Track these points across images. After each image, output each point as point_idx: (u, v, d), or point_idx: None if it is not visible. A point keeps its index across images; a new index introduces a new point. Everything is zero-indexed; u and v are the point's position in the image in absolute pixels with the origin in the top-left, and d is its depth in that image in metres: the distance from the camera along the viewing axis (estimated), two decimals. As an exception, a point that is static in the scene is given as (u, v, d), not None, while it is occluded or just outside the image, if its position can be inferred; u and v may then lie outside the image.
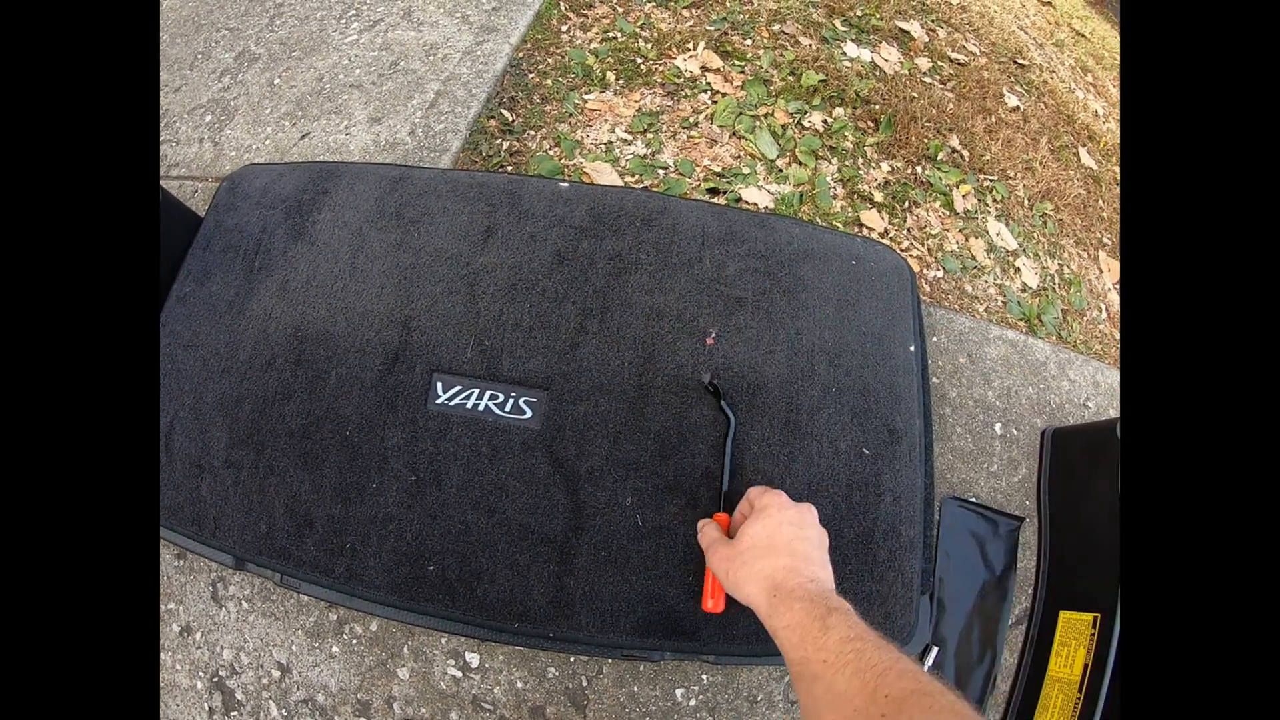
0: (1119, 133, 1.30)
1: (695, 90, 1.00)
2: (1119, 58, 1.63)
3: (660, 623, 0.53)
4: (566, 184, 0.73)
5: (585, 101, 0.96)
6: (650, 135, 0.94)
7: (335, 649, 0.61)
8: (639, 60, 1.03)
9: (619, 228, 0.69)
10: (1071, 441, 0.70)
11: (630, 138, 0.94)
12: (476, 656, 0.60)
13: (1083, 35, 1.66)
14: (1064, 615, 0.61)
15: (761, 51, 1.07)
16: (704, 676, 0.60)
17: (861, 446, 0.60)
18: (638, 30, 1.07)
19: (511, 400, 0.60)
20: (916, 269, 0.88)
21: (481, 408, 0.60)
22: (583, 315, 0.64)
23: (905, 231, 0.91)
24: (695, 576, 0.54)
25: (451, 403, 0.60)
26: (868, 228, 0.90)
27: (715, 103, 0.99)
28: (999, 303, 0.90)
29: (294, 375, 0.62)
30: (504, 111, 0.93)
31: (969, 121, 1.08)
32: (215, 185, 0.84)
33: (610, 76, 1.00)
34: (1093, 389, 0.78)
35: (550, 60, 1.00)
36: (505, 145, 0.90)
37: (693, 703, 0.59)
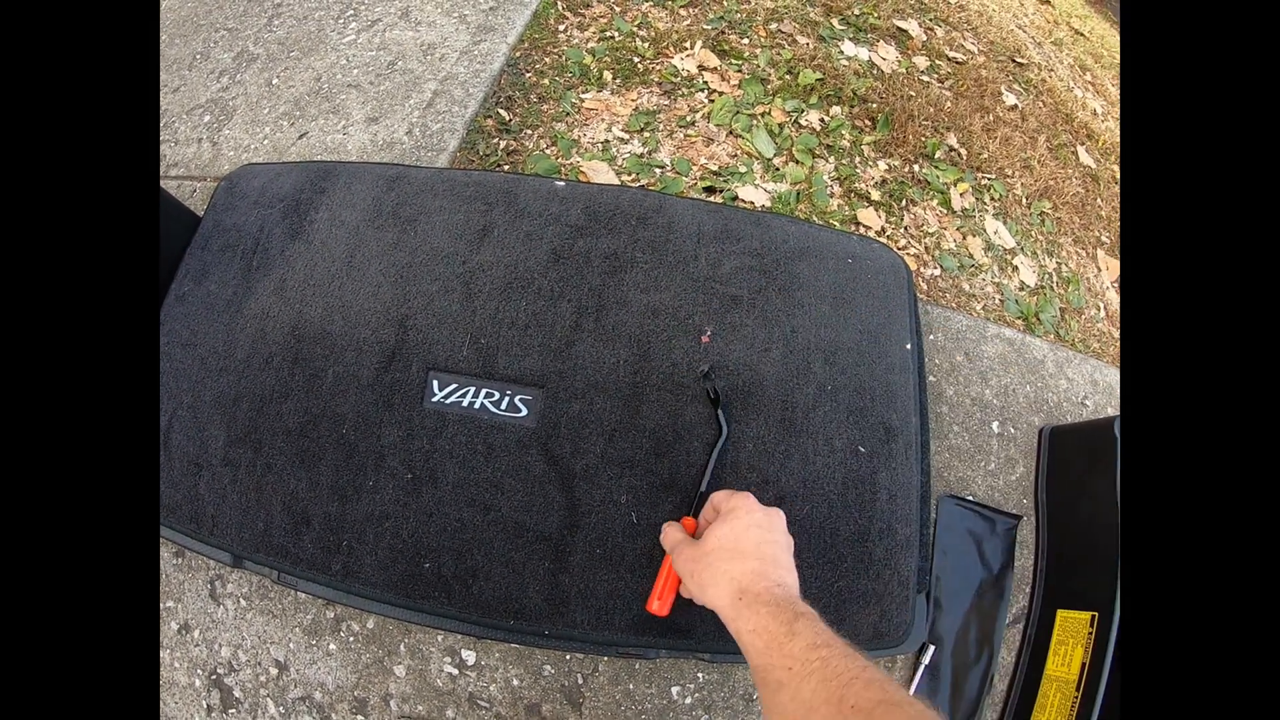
0: (1117, 131, 1.30)
1: (692, 89, 1.00)
2: (1118, 56, 1.63)
3: (656, 620, 0.53)
4: (562, 183, 0.73)
5: (582, 100, 0.96)
6: (647, 134, 0.94)
7: (332, 646, 0.61)
8: (636, 59, 1.03)
9: (615, 226, 0.69)
10: (1069, 440, 0.70)
11: (627, 136, 0.94)
12: (473, 654, 0.60)
13: (1081, 34, 1.66)
14: (1061, 614, 0.61)
15: (759, 50, 1.07)
16: (699, 674, 0.60)
17: (857, 444, 0.60)
18: (635, 29, 1.07)
19: (507, 398, 0.60)
20: (914, 267, 0.88)
21: (477, 406, 0.60)
22: (578, 313, 0.64)
23: (902, 230, 0.91)
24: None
25: (447, 401, 0.60)
26: (865, 226, 0.89)
27: (712, 101, 0.99)
28: (996, 301, 0.89)
29: (291, 374, 0.62)
30: (501, 111, 0.94)
31: (967, 120, 1.07)
32: (214, 185, 0.85)
33: (607, 76, 1.00)
34: (1091, 387, 0.78)
35: (547, 59, 1.01)
36: (502, 144, 0.90)
37: (688, 700, 0.59)
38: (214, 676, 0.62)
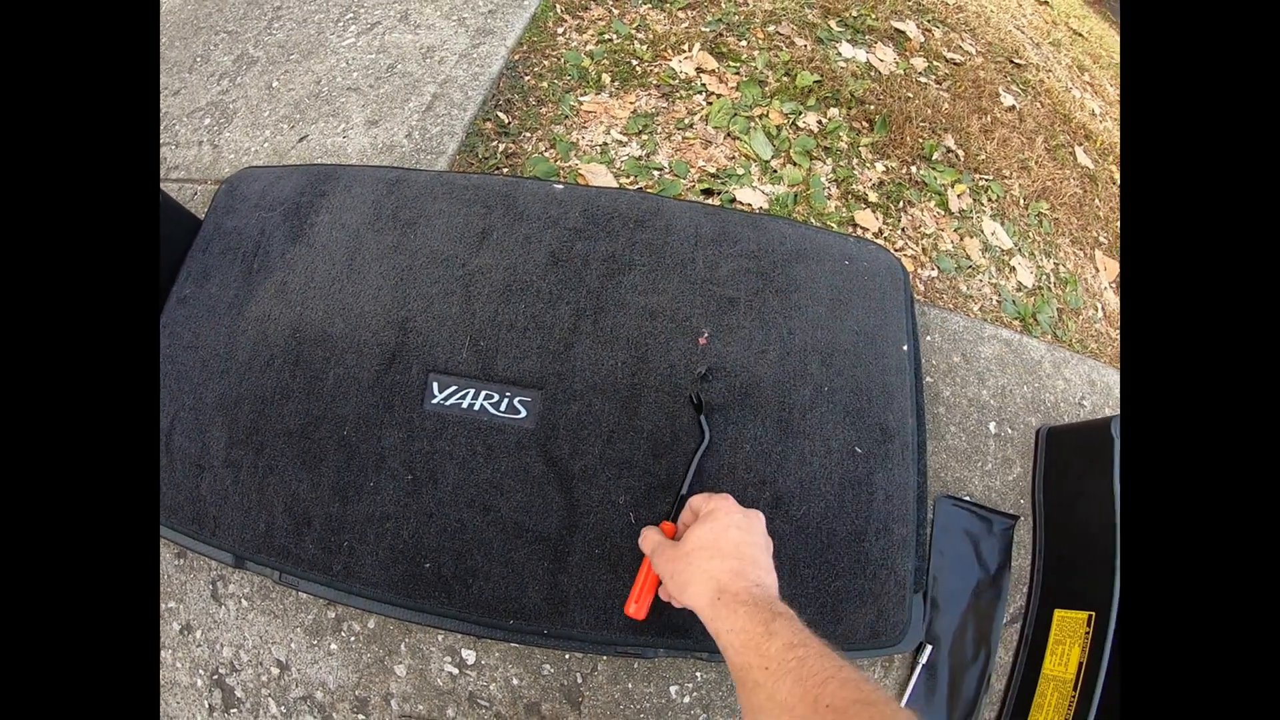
0: (1115, 131, 1.30)
1: (690, 92, 1.01)
2: (1116, 57, 1.63)
3: (654, 620, 0.54)
4: (561, 186, 0.73)
5: (581, 103, 0.97)
6: (645, 137, 0.95)
7: (333, 646, 0.62)
8: (634, 62, 1.03)
9: (613, 229, 0.69)
10: (1067, 440, 0.70)
11: (625, 139, 0.94)
12: (473, 653, 0.61)
13: (1080, 34, 1.66)
14: (1059, 614, 0.61)
15: (756, 52, 1.07)
16: (698, 674, 0.61)
17: (854, 445, 0.60)
18: (633, 32, 1.08)
19: (506, 400, 0.61)
20: (911, 269, 0.88)
21: (477, 407, 0.61)
22: (577, 316, 0.65)
23: (900, 231, 0.92)
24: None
25: (447, 403, 0.61)
26: (862, 228, 0.90)
27: (710, 104, 0.99)
28: (994, 302, 0.90)
29: (292, 376, 0.63)
30: (500, 114, 0.94)
31: (964, 121, 1.08)
32: (214, 188, 0.85)
33: (606, 78, 1.00)
34: (1088, 388, 0.78)
35: (546, 62, 1.01)
36: (501, 147, 0.91)
37: (686, 700, 0.60)
38: (216, 676, 0.62)
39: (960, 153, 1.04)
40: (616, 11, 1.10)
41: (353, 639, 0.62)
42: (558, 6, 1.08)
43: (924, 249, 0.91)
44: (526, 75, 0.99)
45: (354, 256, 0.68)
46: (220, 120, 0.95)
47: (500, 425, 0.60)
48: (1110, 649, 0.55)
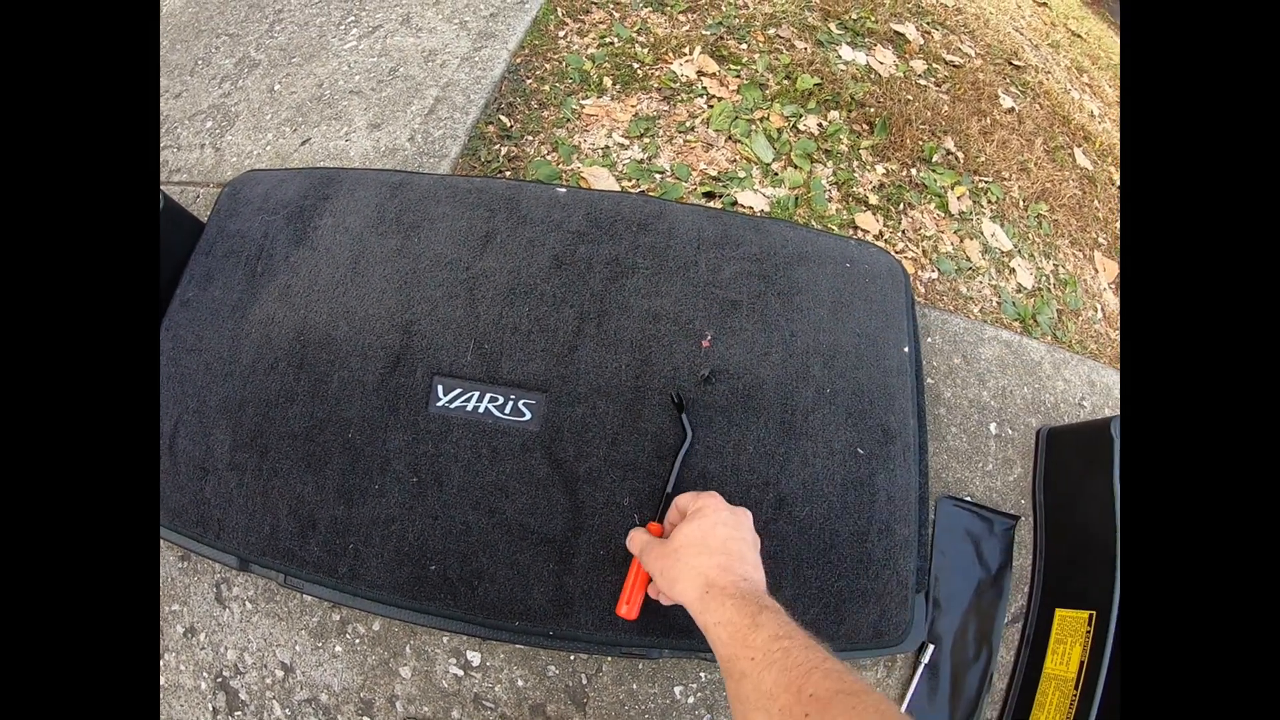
0: (1114, 133, 1.31)
1: (691, 95, 1.01)
2: (1115, 58, 1.64)
3: (659, 621, 0.54)
4: (564, 189, 0.73)
5: (582, 107, 0.97)
6: (647, 140, 0.95)
7: (338, 648, 0.62)
8: (635, 65, 1.03)
9: (616, 232, 0.70)
10: (1067, 441, 0.71)
11: (627, 142, 0.95)
12: (478, 655, 0.61)
13: (1079, 36, 1.67)
14: (1060, 613, 0.62)
15: (757, 55, 1.08)
16: (702, 674, 0.61)
17: (856, 446, 0.61)
18: (634, 35, 1.08)
19: (511, 403, 0.61)
20: (911, 271, 0.89)
21: (481, 410, 0.61)
22: (580, 319, 0.65)
23: (900, 234, 0.92)
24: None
25: (452, 405, 0.61)
26: (863, 230, 0.90)
27: (711, 107, 1.00)
28: (994, 303, 0.90)
29: (296, 379, 0.63)
30: (502, 117, 0.94)
31: (964, 123, 1.08)
32: (217, 191, 0.85)
33: (607, 82, 1.01)
34: (1088, 388, 0.79)
35: (548, 66, 1.01)
36: (503, 150, 0.91)
37: (691, 700, 0.60)
38: (220, 679, 0.62)
39: (960, 155, 1.05)
40: (617, 15, 1.11)
41: (357, 641, 0.62)
42: (559, 10, 1.09)
43: (924, 251, 0.91)
44: (528, 78, 0.99)
45: (358, 260, 0.69)
46: (222, 123, 0.96)
47: (505, 428, 0.60)
48: (1111, 648, 0.55)
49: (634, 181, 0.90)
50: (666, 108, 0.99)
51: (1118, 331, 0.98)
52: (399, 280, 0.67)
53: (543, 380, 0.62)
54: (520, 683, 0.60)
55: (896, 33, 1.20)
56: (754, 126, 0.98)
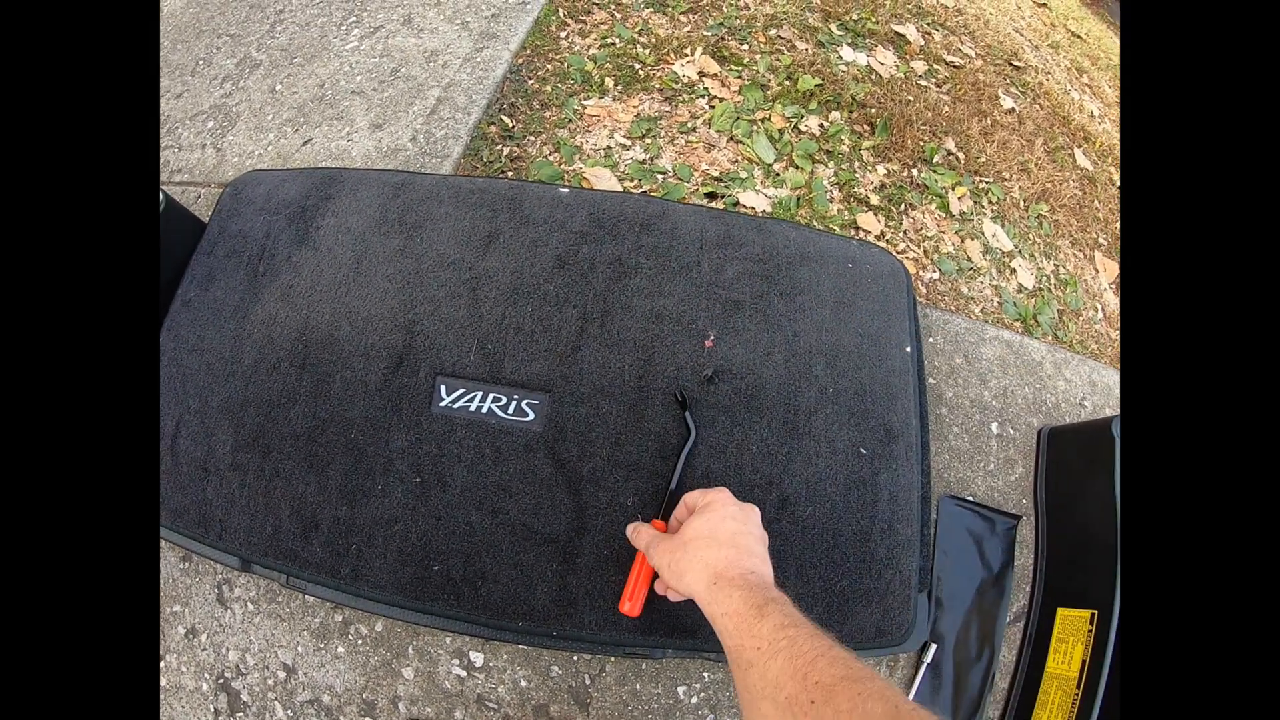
0: (1114, 133, 1.31)
1: (693, 95, 1.01)
2: (1115, 58, 1.65)
3: (662, 621, 0.54)
4: (567, 189, 0.73)
5: (584, 107, 0.97)
6: (649, 140, 0.95)
7: (341, 649, 0.62)
8: (637, 66, 1.04)
9: (619, 233, 0.70)
10: (1068, 440, 0.71)
11: (629, 143, 0.95)
12: (481, 656, 0.61)
13: (1078, 36, 1.67)
14: (1061, 612, 0.62)
15: (758, 56, 1.08)
16: (705, 674, 0.61)
17: (859, 446, 0.61)
18: (636, 36, 1.08)
19: (514, 403, 0.61)
20: (913, 271, 0.89)
21: (485, 410, 0.61)
22: (583, 319, 0.65)
23: (901, 234, 0.92)
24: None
25: (455, 405, 0.61)
26: (864, 230, 0.90)
27: (713, 108, 1.00)
28: (995, 303, 0.90)
29: (299, 379, 0.63)
30: (504, 117, 0.94)
31: (964, 124, 1.09)
32: (218, 191, 0.85)
33: (609, 82, 1.01)
34: (1089, 388, 0.79)
35: (549, 66, 1.01)
36: (506, 151, 0.91)
37: (694, 700, 0.60)
38: (221, 680, 0.62)
39: (960, 155, 1.05)
40: (619, 15, 1.11)
41: (360, 642, 0.62)
42: (560, 10, 1.09)
43: (925, 251, 0.92)
44: (530, 79, 0.99)
45: (360, 260, 0.68)
46: (223, 123, 0.95)
47: (508, 428, 0.60)
48: (1112, 647, 0.55)
49: (636, 182, 0.90)
50: (668, 108, 0.99)
51: (1118, 331, 0.99)
52: (402, 280, 0.67)
53: (546, 380, 0.62)
54: (523, 683, 0.60)
55: (897, 34, 1.21)
56: (755, 127, 0.98)
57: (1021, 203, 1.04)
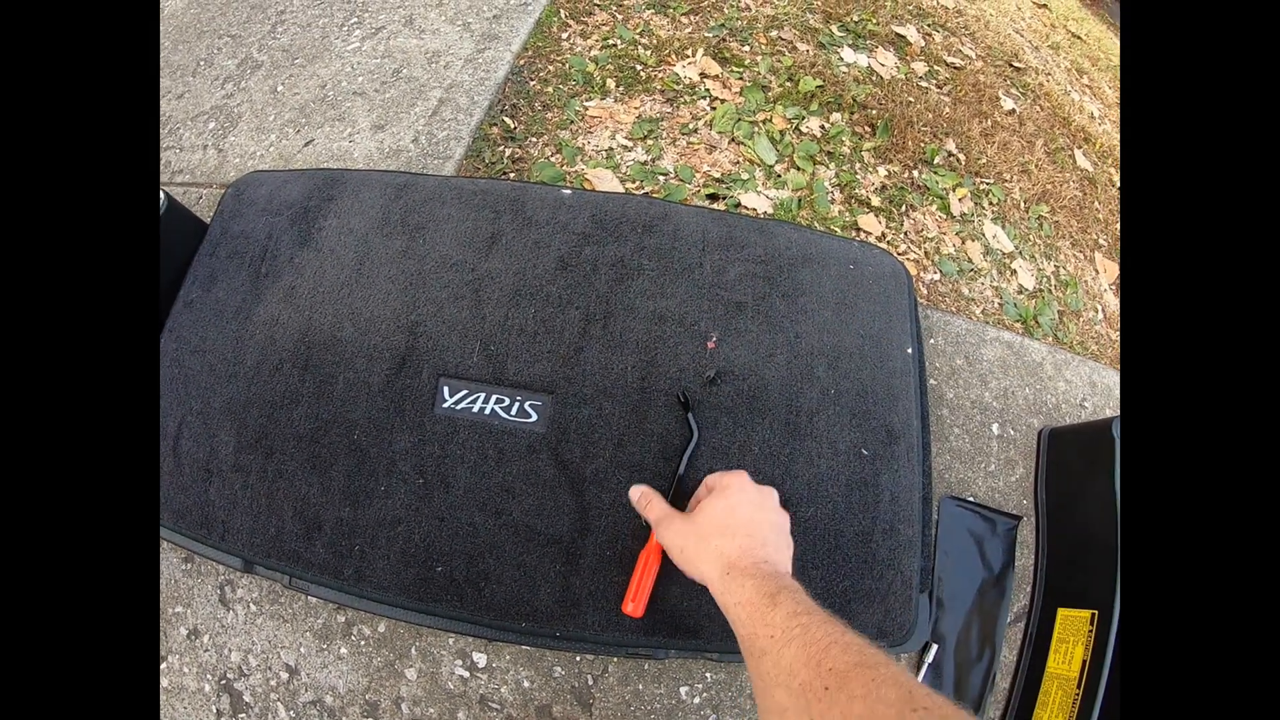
0: (1115, 134, 1.32)
1: (694, 97, 1.01)
2: (1115, 59, 1.65)
3: (665, 621, 0.54)
4: (569, 191, 0.74)
5: (586, 108, 0.97)
6: (650, 142, 0.95)
7: (343, 650, 0.62)
8: (639, 67, 1.04)
9: (621, 234, 0.70)
10: (1068, 441, 0.71)
11: (631, 144, 0.95)
12: (484, 656, 0.61)
13: (1078, 37, 1.67)
14: (1062, 612, 0.62)
15: (759, 58, 1.08)
16: (708, 674, 0.61)
17: (860, 447, 0.61)
18: (637, 37, 1.08)
19: (517, 404, 0.61)
20: (914, 272, 0.89)
21: (488, 411, 0.61)
22: (586, 320, 0.65)
23: (902, 235, 0.93)
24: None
25: (458, 407, 0.61)
26: (865, 232, 0.91)
27: (714, 109, 1.00)
28: (995, 305, 0.91)
29: (301, 380, 0.63)
30: (506, 119, 0.94)
31: (965, 125, 1.09)
32: (219, 192, 0.85)
33: (610, 83, 1.01)
34: (1089, 389, 0.79)
35: (551, 67, 1.02)
36: (508, 152, 0.91)
37: (697, 700, 0.60)
38: (224, 681, 0.62)
39: (961, 156, 1.05)
40: (620, 17, 1.11)
41: (363, 643, 0.62)
42: (562, 12, 1.09)
43: (926, 252, 0.92)
44: (532, 80, 0.99)
45: (363, 261, 0.69)
46: (225, 124, 0.95)
47: (511, 429, 0.60)
48: (1113, 647, 0.55)
49: (638, 183, 0.90)
50: (669, 110, 1.00)
51: (1118, 332, 0.99)
52: (404, 281, 0.67)
53: (549, 381, 0.62)
54: (526, 684, 0.60)
55: (898, 35, 1.21)
56: (757, 128, 0.98)
57: (1022, 204, 1.04)
